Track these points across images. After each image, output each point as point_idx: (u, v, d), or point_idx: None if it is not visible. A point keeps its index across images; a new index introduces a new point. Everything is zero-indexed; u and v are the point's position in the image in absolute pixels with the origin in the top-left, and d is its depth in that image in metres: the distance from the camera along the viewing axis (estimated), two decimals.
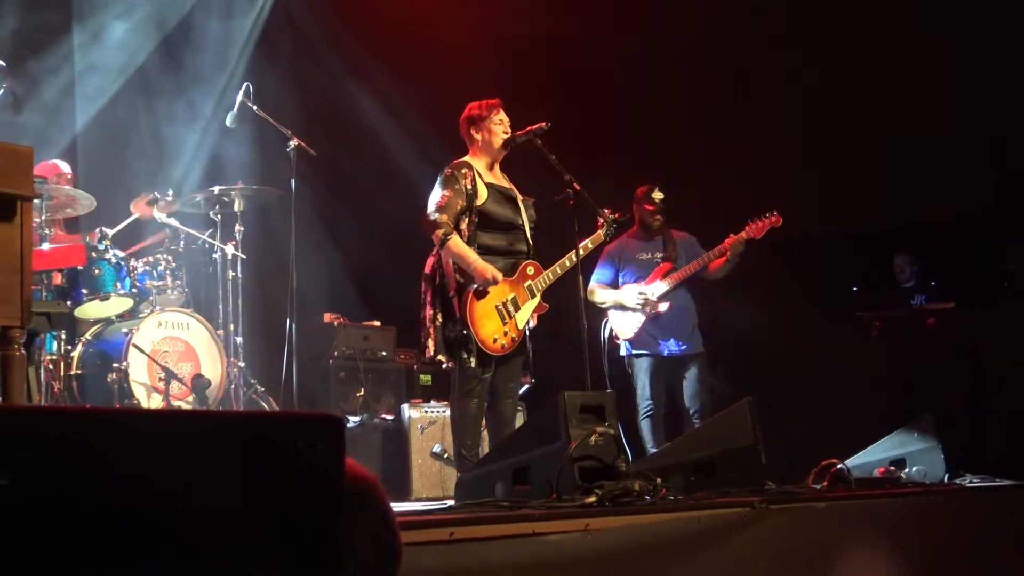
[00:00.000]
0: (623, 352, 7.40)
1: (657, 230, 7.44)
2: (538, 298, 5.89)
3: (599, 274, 7.44)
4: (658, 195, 7.42)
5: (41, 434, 1.09)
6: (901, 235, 8.63)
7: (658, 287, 7.26)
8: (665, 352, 7.29)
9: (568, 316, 5.93)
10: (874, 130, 8.63)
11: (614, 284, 7.42)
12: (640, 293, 7.26)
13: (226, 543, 1.18)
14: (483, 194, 5.80)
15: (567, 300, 5.96)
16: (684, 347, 7.31)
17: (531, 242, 5.97)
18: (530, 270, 5.88)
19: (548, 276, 5.93)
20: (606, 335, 7.42)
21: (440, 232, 5.64)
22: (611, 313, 7.43)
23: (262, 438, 1.23)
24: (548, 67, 9.32)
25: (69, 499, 1.08)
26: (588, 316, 5.97)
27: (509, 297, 5.76)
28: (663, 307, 7.23)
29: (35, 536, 1.08)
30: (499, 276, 5.64)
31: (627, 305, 7.32)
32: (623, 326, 7.37)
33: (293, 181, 7.04)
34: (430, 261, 5.85)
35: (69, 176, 7.26)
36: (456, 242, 5.66)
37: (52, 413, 1.41)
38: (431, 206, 5.74)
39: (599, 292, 7.38)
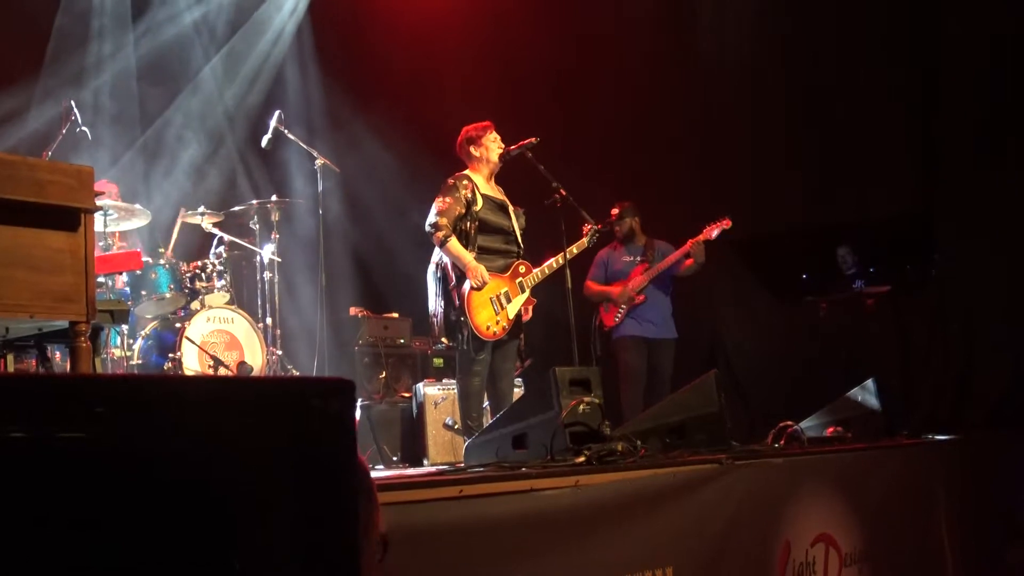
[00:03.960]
0: (612, 336, 7.48)
1: (624, 239, 7.55)
2: (527, 293, 5.87)
3: (593, 274, 7.60)
4: (615, 210, 7.58)
5: (109, 397, 1.10)
6: (843, 230, 8.62)
7: (636, 283, 7.34)
8: (646, 335, 7.39)
9: (560, 306, 5.93)
10: (822, 138, 8.60)
11: (604, 282, 7.56)
12: (622, 292, 7.37)
13: (257, 482, 1.18)
14: (480, 203, 5.80)
15: (560, 294, 5.94)
16: (660, 331, 7.43)
17: (521, 244, 5.97)
18: (522, 268, 5.88)
19: (537, 275, 5.91)
20: (596, 324, 7.54)
21: (440, 235, 5.64)
22: (600, 306, 7.60)
23: (285, 398, 1.24)
24: (537, 91, 9.30)
25: (132, 450, 1.09)
26: (577, 307, 5.97)
27: (502, 291, 5.76)
28: (639, 299, 7.32)
29: (86, 480, 1.08)
30: (487, 278, 5.65)
31: (612, 298, 7.43)
32: (608, 315, 7.52)
33: (320, 194, 7.05)
34: (434, 257, 5.86)
35: (116, 192, 7.24)
36: (454, 244, 5.65)
37: (119, 379, 1.41)
38: (432, 212, 5.73)
39: (592, 288, 7.56)
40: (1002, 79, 7.66)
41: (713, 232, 7.27)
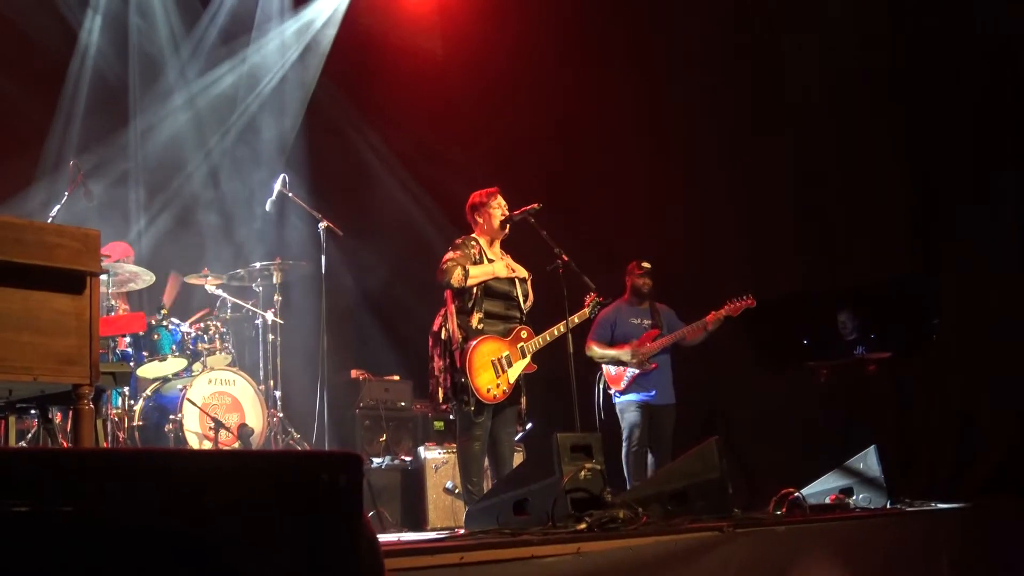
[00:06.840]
0: (615, 399, 7.44)
1: (646, 295, 7.50)
2: (528, 358, 5.86)
3: (597, 334, 7.49)
4: (646, 264, 7.54)
5: (103, 470, 1.09)
6: (844, 295, 8.62)
7: (648, 350, 7.30)
8: (650, 401, 7.33)
9: (561, 373, 5.90)
10: (823, 204, 8.66)
11: (609, 342, 7.45)
12: (635, 353, 7.30)
13: (266, 556, 1.17)
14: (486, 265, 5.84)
15: (562, 359, 5.91)
16: (662, 397, 7.38)
17: (524, 310, 5.98)
18: (523, 334, 5.88)
19: (538, 341, 5.91)
20: (601, 386, 7.48)
21: (456, 270, 5.67)
22: (605, 367, 7.51)
23: (293, 472, 1.23)
24: (543, 154, 9.37)
25: (142, 523, 1.08)
26: (578, 371, 5.93)
27: (504, 354, 5.76)
28: (652, 366, 7.30)
29: (96, 554, 1.07)
30: (503, 272, 5.81)
31: (623, 360, 7.37)
32: (615, 378, 7.44)
33: (323, 257, 7.07)
34: (437, 320, 5.86)
35: (132, 255, 7.30)
36: (473, 270, 5.70)
37: (129, 454, 1.40)
38: (443, 261, 5.76)
39: (597, 349, 7.45)
40: (1001, 144, 7.74)
41: (738, 310, 7.24)
